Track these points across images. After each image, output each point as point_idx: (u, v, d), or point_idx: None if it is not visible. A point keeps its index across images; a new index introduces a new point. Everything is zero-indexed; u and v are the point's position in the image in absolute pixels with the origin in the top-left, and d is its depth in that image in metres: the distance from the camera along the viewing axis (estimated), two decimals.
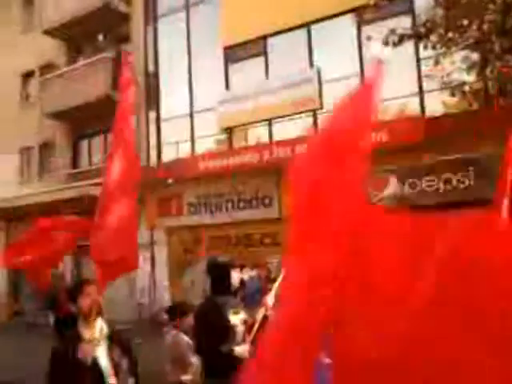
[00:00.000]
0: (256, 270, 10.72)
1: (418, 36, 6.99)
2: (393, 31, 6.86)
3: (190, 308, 5.03)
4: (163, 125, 14.34)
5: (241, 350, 3.43)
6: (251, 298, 8.74)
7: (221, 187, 12.55)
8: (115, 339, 3.03)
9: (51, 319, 11.10)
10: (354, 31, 11.42)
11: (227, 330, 3.46)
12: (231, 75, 13.41)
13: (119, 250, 2.90)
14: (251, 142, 12.89)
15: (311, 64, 12.07)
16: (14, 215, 16.11)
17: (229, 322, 3.49)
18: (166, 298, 13.37)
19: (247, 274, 10.68)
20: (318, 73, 11.77)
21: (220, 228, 12.77)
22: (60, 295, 10.81)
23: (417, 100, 10.65)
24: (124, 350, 3.03)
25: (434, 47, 7.09)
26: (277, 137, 12.19)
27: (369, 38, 7.80)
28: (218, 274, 3.69)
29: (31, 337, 11.95)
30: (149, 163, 14.35)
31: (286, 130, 12.18)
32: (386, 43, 7.02)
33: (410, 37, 7.01)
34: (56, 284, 11.26)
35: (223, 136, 13.33)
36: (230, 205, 12.45)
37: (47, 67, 17.40)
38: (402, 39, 6.96)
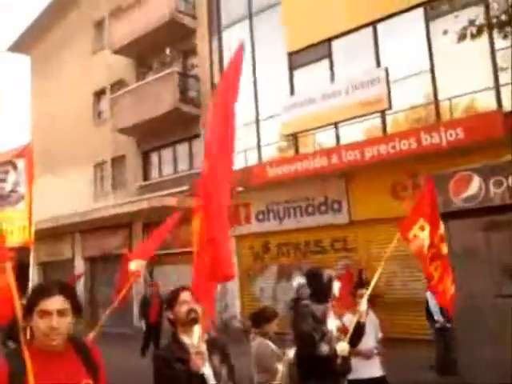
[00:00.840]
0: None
1: (498, 25, 6.58)
2: (472, 22, 6.49)
3: (274, 314, 4.99)
4: None
5: (341, 347, 3.66)
6: None
7: (289, 193, 12.44)
8: (214, 346, 2.98)
9: (143, 326, 11.42)
10: (423, 26, 11.05)
11: (324, 337, 3.69)
12: (296, 80, 13.37)
13: (218, 257, 2.82)
14: (317, 147, 12.75)
15: (378, 64, 11.78)
16: (90, 227, 16.86)
17: (326, 328, 3.54)
18: (236, 305, 13.46)
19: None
20: (386, 72, 11.47)
21: (289, 234, 12.66)
22: (153, 303, 11.04)
23: (487, 94, 10.10)
24: (223, 357, 3.00)
25: None
26: (344, 140, 11.98)
27: (445, 32, 7.44)
28: (319, 284, 3.97)
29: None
30: None
31: (354, 132, 11.97)
32: (462, 36, 6.67)
33: (489, 27, 6.61)
34: (148, 292, 11.48)
35: (285, 143, 13.31)
36: (298, 211, 12.32)
37: (118, 84, 18.20)
38: (481, 30, 6.58)
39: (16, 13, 56.04)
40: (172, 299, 2.99)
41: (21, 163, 4.85)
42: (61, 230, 16.93)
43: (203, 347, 2.74)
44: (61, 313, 2.13)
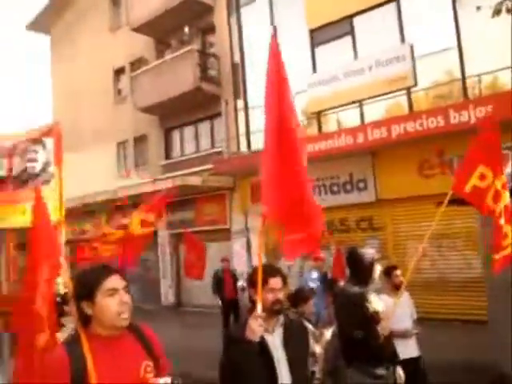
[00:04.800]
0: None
1: None
2: None
3: (311, 294, 5.08)
4: (251, 112, 14.47)
5: (382, 326, 3.56)
6: None
7: (313, 172, 12.33)
8: (290, 328, 2.79)
9: (219, 302, 11.29)
10: (449, 1, 10.81)
11: (367, 319, 3.55)
12: (318, 58, 13.24)
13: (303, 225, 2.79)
14: (340, 125, 12.69)
15: (403, 40, 11.60)
16: (114, 206, 17.09)
17: (368, 311, 3.56)
18: None
19: None
20: (411, 49, 11.30)
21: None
22: (225, 278, 10.96)
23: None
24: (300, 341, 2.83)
25: None
26: (368, 118, 11.90)
27: (478, 8, 7.28)
28: (359, 265, 3.82)
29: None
30: (239, 151, 14.58)
31: (379, 110, 11.87)
32: (497, 11, 6.52)
33: None
34: (221, 269, 11.45)
35: (306, 121, 13.24)
36: (322, 190, 12.34)
37: (137, 63, 18.16)
38: None
39: None
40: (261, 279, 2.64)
41: (49, 143, 4.88)
42: (87, 209, 17.17)
43: (260, 310, 2.55)
44: (126, 289, 2.17)
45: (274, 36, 2.91)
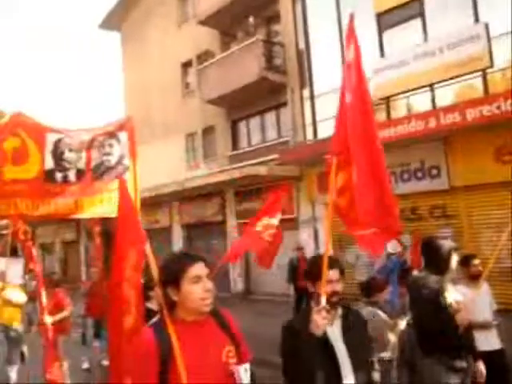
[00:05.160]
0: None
1: None
2: None
3: (385, 284, 5.02)
4: (317, 101, 14.34)
5: (460, 317, 3.46)
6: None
7: None
8: (348, 319, 2.76)
9: (291, 290, 11.32)
10: None
11: (445, 310, 3.47)
12: (385, 42, 12.88)
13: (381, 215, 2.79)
14: (410, 110, 12.30)
15: (476, 19, 11.02)
16: (185, 196, 17.63)
17: (446, 301, 3.48)
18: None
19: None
20: (486, 28, 10.71)
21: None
22: (300, 267, 11.06)
23: None
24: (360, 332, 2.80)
25: None
26: (440, 102, 11.45)
27: None
28: (436, 254, 3.74)
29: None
30: (305, 140, 14.52)
31: (451, 93, 11.38)
32: None
33: None
34: (296, 257, 11.55)
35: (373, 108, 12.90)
36: (393, 177, 12.05)
37: (204, 55, 18.49)
38: None
39: None
40: (320, 272, 2.61)
41: (123, 136, 5.08)
42: (159, 199, 17.79)
43: (324, 302, 2.53)
44: (208, 276, 2.23)
45: (351, 22, 2.91)
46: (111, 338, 2.95)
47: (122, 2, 22.22)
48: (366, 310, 4.59)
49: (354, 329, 2.74)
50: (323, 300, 2.54)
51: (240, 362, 2.21)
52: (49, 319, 3.97)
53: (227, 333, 2.26)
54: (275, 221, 5.81)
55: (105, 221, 5.37)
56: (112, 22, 23.23)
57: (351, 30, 2.96)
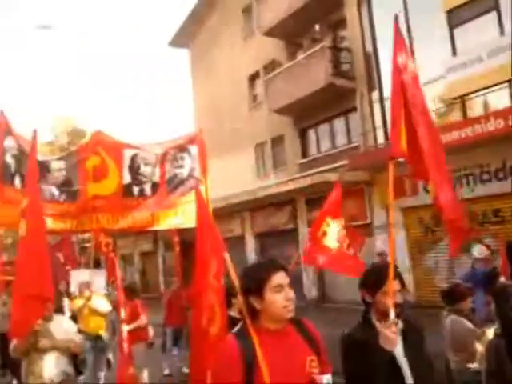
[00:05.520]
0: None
1: None
2: None
3: (469, 292, 4.78)
4: (387, 104, 14.02)
5: None
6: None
7: (459, 161, 11.56)
8: (407, 331, 2.56)
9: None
10: None
11: None
12: (457, 39, 12.37)
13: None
14: (487, 108, 11.71)
15: None
16: (256, 206, 17.81)
17: None
18: (408, 279, 13.10)
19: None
20: None
21: (462, 204, 11.84)
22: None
23: None
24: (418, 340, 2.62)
25: None
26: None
27: None
28: None
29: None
30: (376, 144, 14.22)
31: None
32: None
33: None
34: (375, 262, 11.43)
35: (444, 108, 12.43)
36: (471, 179, 11.50)
37: (271, 65, 18.70)
38: None
39: (169, 9, 60.71)
40: (379, 282, 2.52)
41: (194, 149, 5.21)
42: (231, 209, 18.07)
43: (393, 315, 2.40)
44: (289, 285, 2.20)
45: (396, 24, 2.85)
46: (194, 346, 3.01)
47: (189, 19, 22.98)
48: (450, 319, 4.42)
49: (413, 341, 2.56)
50: (392, 313, 2.42)
51: (322, 372, 2.17)
52: (125, 327, 4.15)
53: (309, 342, 2.23)
54: (340, 222, 5.71)
55: (181, 231, 5.52)
56: (181, 40, 24.13)
57: (397, 32, 2.89)
